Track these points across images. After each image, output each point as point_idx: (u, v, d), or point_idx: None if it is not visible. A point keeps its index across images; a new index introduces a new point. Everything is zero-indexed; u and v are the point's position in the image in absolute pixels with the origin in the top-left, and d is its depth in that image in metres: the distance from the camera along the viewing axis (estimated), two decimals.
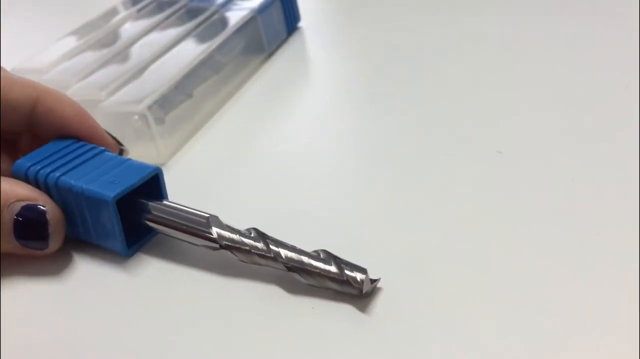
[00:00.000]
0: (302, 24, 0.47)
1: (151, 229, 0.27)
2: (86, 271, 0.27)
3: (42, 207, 0.26)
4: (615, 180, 0.26)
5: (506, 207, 0.26)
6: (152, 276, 0.26)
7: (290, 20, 0.45)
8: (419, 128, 0.33)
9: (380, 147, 0.32)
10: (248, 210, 0.27)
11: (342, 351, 0.21)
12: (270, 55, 0.43)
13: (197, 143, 0.35)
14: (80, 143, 0.28)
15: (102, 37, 0.40)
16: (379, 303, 0.23)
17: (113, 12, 0.44)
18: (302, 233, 0.25)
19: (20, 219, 0.25)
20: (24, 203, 0.26)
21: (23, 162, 0.27)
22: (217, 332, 0.23)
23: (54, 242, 0.26)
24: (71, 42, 0.40)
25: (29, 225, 0.26)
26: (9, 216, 0.25)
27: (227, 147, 0.34)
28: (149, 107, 0.32)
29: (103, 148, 0.28)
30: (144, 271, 0.26)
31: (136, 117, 0.32)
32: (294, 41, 0.45)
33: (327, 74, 0.40)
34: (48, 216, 0.26)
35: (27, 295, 0.26)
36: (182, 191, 0.27)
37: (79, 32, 0.42)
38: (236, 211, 0.26)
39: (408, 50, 0.40)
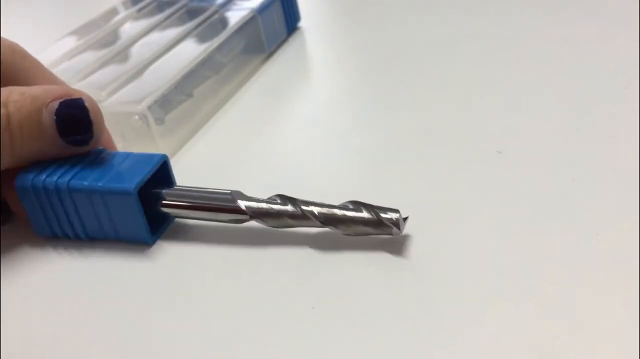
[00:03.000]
0: (302, 24, 0.47)
1: (164, 220, 0.28)
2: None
3: (78, 99, 0.26)
4: (615, 180, 0.26)
5: (506, 207, 0.26)
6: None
7: (290, 20, 0.45)
8: (419, 128, 0.33)
9: (380, 147, 0.32)
10: None
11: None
12: (270, 55, 0.43)
13: (197, 143, 0.35)
14: None
15: (102, 37, 0.40)
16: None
17: (113, 12, 0.44)
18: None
19: (61, 115, 0.26)
20: (59, 101, 0.26)
21: (26, 174, 0.27)
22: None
23: (97, 130, 0.27)
24: (71, 42, 0.40)
25: (70, 118, 0.26)
26: (49, 117, 0.26)
27: (227, 147, 0.34)
28: (149, 107, 0.32)
29: (100, 148, 0.28)
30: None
31: (136, 117, 0.32)
32: (294, 41, 0.45)
33: (327, 74, 0.40)
34: (86, 104, 0.26)
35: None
36: None
37: (79, 32, 0.42)
38: None
39: (408, 50, 0.40)
